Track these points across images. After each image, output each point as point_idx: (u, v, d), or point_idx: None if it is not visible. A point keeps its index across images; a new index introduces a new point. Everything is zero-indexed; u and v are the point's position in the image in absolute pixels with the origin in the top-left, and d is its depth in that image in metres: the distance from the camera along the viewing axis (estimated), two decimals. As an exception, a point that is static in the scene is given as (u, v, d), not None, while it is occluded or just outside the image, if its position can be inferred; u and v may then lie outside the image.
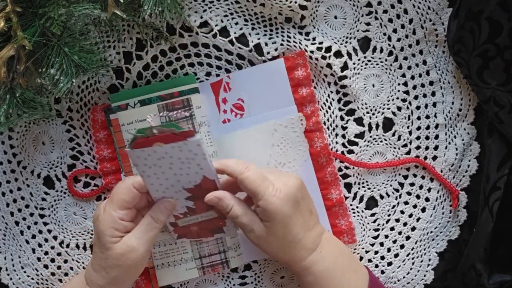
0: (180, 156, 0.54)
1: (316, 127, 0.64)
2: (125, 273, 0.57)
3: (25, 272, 0.68)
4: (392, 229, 0.66)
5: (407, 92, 0.66)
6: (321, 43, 0.64)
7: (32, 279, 0.68)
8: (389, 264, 0.67)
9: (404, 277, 0.67)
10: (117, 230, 0.56)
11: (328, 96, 0.65)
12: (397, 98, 0.66)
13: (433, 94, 0.65)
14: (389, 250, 0.67)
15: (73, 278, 0.60)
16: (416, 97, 0.66)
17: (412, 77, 0.65)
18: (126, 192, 0.56)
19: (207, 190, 0.57)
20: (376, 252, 0.67)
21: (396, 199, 0.66)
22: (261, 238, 0.57)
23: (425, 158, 0.66)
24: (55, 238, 0.68)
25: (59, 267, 0.68)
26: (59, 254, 0.68)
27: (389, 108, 0.66)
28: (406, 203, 0.66)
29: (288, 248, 0.58)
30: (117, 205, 0.56)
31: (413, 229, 0.66)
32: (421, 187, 0.66)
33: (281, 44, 0.64)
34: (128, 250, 0.56)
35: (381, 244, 0.67)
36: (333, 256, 0.59)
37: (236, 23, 0.65)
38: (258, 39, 0.65)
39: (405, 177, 0.66)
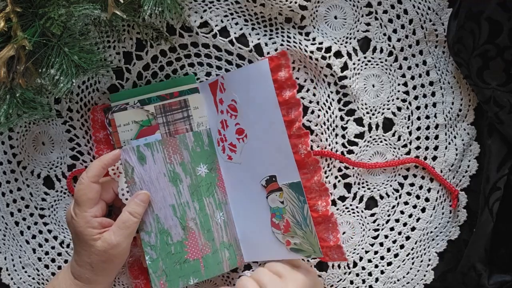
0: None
1: (299, 132, 0.59)
2: (110, 265, 0.58)
3: (26, 272, 0.68)
4: (392, 229, 0.67)
5: (407, 93, 0.66)
6: (321, 43, 0.64)
7: (33, 279, 0.68)
8: (389, 264, 0.67)
9: (404, 277, 0.67)
10: (94, 228, 0.57)
11: (328, 96, 0.65)
12: (397, 99, 0.66)
13: (433, 94, 0.65)
14: (388, 250, 0.67)
15: (59, 273, 0.60)
16: (416, 98, 0.66)
17: (412, 78, 0.65)
18: (87, 190, 0.57)
19: None
20: (376, 252, 0.67)
21: (396, 199, 0.66)
22: None
23: (425, 158, 0.66)
24: (55, 238, 0.68)
25: (59, 267, 0.68)
26: (59, 254, 0.68)
27: (389, 108, 0.66)
28: (406, 203, 0.66)
29: None
30: (85, 205, 0.57)
31: (413, 229, 0.66)
32: (421, 187, 0.66)
33: (281, 44, 0.64)
34: (109, 247, 0.56)
35: (381, 244, 0.67)
36: None
37: (236, 23, 0.65)
38: (258, 39, 0.65)
39: (405, 177, 0.66)
